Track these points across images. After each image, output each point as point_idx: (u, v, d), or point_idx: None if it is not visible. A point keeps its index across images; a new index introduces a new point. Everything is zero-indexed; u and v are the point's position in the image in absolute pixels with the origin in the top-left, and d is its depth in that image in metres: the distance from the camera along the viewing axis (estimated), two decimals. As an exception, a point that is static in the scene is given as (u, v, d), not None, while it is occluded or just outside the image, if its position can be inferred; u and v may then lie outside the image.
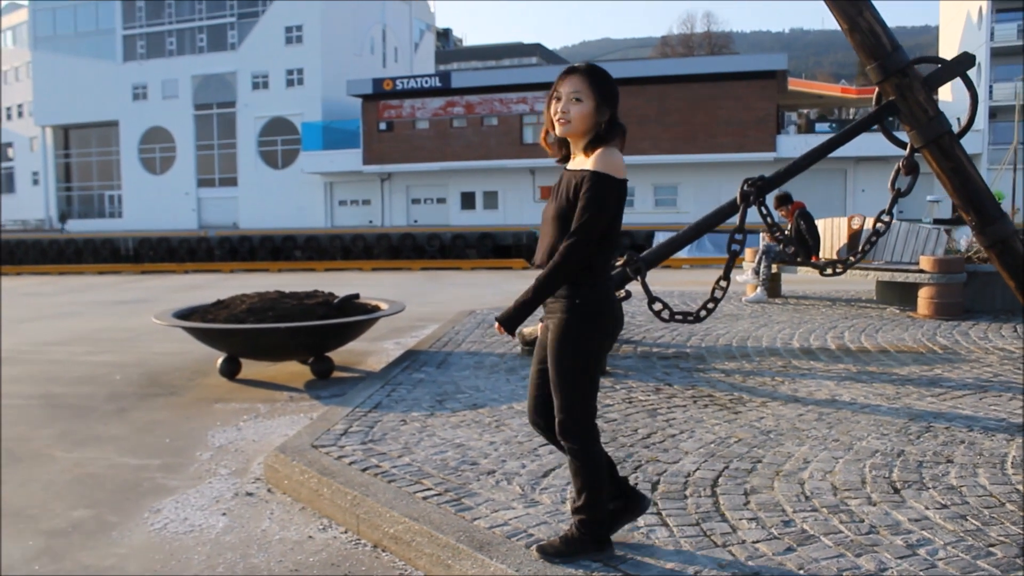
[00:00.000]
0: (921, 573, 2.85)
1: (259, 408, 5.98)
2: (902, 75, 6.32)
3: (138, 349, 8.50)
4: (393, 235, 39.52)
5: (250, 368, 7.11)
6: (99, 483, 4.43)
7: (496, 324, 2.93)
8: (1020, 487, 3.68)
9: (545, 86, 45.88)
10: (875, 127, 6.67)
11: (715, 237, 27.03)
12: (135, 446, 5.10)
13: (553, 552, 3.00)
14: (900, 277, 8.74)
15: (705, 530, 3.24)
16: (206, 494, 4.22)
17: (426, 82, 45.38)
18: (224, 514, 3.93)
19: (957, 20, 42.65)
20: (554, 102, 2.93)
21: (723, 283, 6.49)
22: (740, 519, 3.35)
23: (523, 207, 44.46)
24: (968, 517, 3.34)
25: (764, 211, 6.80)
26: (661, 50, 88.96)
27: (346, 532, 3.68)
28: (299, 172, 48.11)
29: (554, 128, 2.97)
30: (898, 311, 8.99)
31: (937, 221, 22.58)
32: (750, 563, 2.94)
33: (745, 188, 6.66)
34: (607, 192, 2.83)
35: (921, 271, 8.49)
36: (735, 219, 6.32)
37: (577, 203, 2.84)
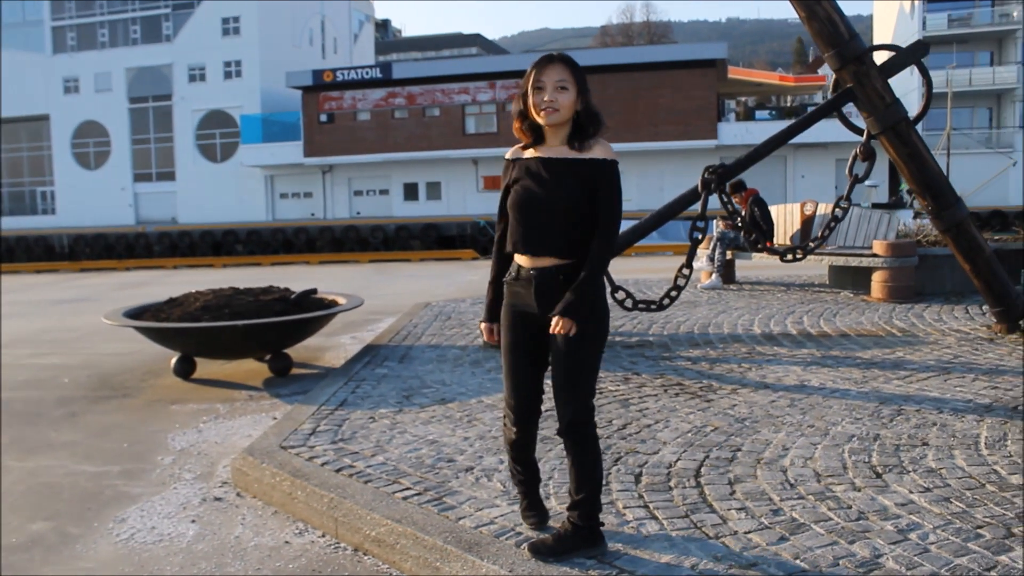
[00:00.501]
0: (916, 558, 2.84)
1: (218, 408, 5.80)
2: (859, 63, 6.38)
3: (85, 350, 8.20)
4: (336, 228, 39.01)
5: (205, 367, 6.90)
6: (56, 493, 4.23)
7: (560, 321, 2.84)
8: (997, 468, 3.72)
9: (485, 76, 45.74)
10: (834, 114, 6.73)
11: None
12: (91, 452, 4.89)
13: (547, 551, 2.92)
14: (854, 262, 8.86)
15: (695, 522, 3.20)
16: (172, 501, 4.05)
17: (367, 73, 44.82)
18: (194, 521, 3.78)
19: (890, 9, 43.55)
20: (536, 92, 2.87)
21: (686, 271, 6.48)
22: (729, 509, 3.31)
23: (466, 197, 44.24)
24: (952, 499, 3.35)
25: (725, 198, 6.82)
26: (601, 40, 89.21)
27: (324, 536, 3.56)
28: (239, 165, 47.17)
29: (534, 116, 2.89)
30: (852, 295, 9.11)
31: (875, 206, 23.02)
32: (746, 554, 2.91)
33: (706, 176, 6.66)
34: (619, 180, 2.93)
35: (875, 255, 8.61)
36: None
37: (590, 191, 2.86)
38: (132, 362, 7.45)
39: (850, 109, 6.86)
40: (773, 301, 8.91)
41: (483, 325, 3.02)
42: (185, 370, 6.63)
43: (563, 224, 2.89)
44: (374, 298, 11.81)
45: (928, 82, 6.49)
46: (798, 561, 2.85)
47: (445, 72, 45.59)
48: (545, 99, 2.85)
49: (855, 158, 6.59)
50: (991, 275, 6.54)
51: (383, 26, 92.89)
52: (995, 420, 4.42)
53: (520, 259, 2.97)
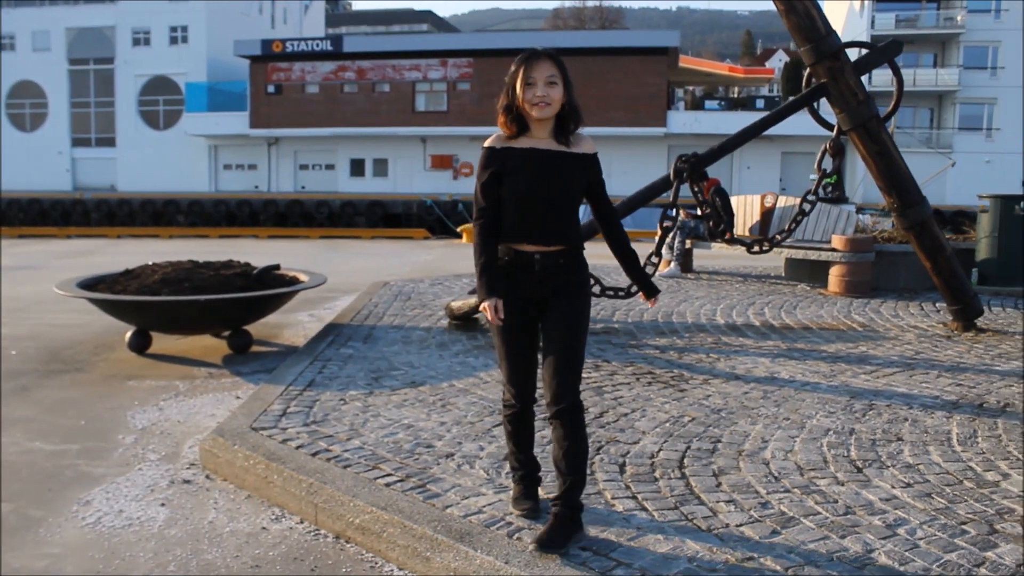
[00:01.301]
0: (907, 553, 2.87)
1: (178, 386, 5.62)
2: (834, 58, 6.41)
3: (31, 321, 7.89)
4: (280, 201, 38.39)
5: (160, 342, 6.69)
6: (13, 472, 4.04)
7: (655, 299, 3.29)
8: (972, 464, 3.79)
9: (437, 54, 45.26)
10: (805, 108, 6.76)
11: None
12: (47, 429, 4.70)
13: (560, 542, 2.86)
14: (813, 255, 8.97)
15: (685, 514, 3.19)
16: (138, 483, 3.91)
17: (317, 45, 44.06)
18: (163, 504, 3.65)
19: (840, 8, 44.21)
20: (527, 87, 2.95)
21: (655, 259, 6.49)
22: (717, 502, 3.31)
23: (413, 176, 43.86)
24: (933, 495, 3.40)
25: (696, 188, 6.82)
26: (553, 22, 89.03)
27: (303, 523, 3.47)
28: (182, 134, 46.02)
29: (524, 110, 2.98)
30: (808, 288, 9.22)
31: (821, 200, 23.39)
32: (740, 548, 2.90)
33: (679, 165, 6.65)
34: None
35: (833, 250, 8.72)
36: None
37: (585, 183, 3.08)
38: (82, 335, 7.19)
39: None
40: (732, 291, 8.97)
41: (487, 304, 2.94)
42: (141, 344, 6.42)
43: (565, 213, 3.04)
44: (331, 275, 11.60)
45: (899, 81, 6.56)
46: (792, 555, 2.85)
47: (396, 48, 45.04)
48: (538, 94, 2.94)
49: (824, 153, 6.64)
50: (951, 274, 6.67)
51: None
52: (963, 417, 4.49)
53: (519, 244, 3.00)
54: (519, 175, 3.00)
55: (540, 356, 3.11)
